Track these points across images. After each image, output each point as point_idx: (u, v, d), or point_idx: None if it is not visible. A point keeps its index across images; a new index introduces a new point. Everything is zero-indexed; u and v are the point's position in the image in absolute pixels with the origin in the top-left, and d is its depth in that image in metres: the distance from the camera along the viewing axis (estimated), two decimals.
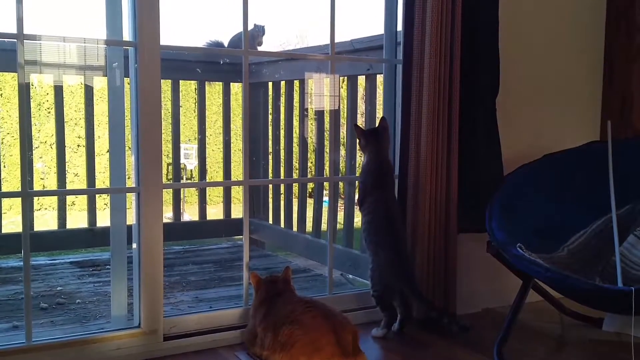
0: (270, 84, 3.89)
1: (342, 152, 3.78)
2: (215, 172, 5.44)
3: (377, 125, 2.23)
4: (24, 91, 1.79)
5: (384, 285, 2.12)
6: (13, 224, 4.28)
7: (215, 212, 4.83)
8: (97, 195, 4.02)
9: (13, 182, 5.15)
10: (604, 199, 2.11)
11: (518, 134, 2.44)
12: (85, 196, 4.20)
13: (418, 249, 2.18)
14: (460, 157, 2.21)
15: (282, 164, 3.89)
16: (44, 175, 5.65)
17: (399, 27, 2.35)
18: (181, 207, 4.19)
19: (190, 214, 4.98)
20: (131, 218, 1.97)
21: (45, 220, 4.93)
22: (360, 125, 2.35)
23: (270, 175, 3.97)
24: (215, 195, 5.62)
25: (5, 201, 4.08)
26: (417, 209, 2.17)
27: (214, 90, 5.07)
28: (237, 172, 4.63)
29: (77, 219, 4.34)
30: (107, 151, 4.43)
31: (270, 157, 3.98)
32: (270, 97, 3.91)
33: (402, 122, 2.21)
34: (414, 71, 2.15)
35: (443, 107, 2.15)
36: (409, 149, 2.18)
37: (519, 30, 2.42)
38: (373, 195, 2.14)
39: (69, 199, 4.83)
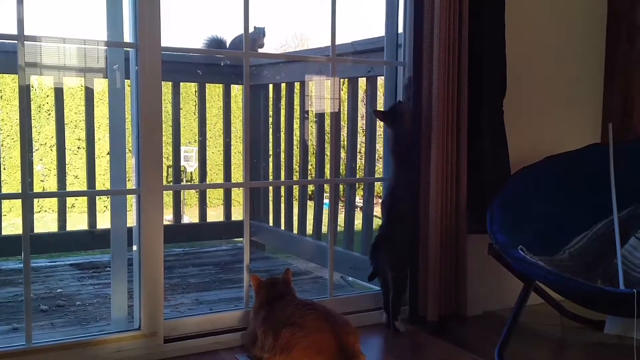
0: (270, 86, 3.89)
1: (343, 154, 3.78)
2: (215, 174, 5.43)
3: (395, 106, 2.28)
4: (25, 93, 1.79)
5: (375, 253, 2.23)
6: (13, 225, 4.28)
7: (214, 214, 4.83)
8: (97, 198, 4.01)
9: (13, 184, 5.15)
10: (605, 202, 2.10)
11: (519, 136, 2.43)
12: (85, 198, 4.19)
13: (430, 251, 2.18)
14: (468, 159, 2.21)
15: (282, 166, 3.89)
16: (44, 177, 5.64)
17: (400, 29, 2.35)
18: (181, 209, 4.19)
19: (189, 216, 4.98)
20: (131, 220, 1.97)
21: (45, 222, 4.92)
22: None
23: (271, 177, 3.97)
24: (215, 197, 5.61)
25: (5, 203, 4.07)
26: (427, 211, 2.17)
27: (213, 93, 5.07)
28: (237, 174, 4.63)
29: (76, 221, 4.34)
30: (107, 153, 4.42)
31: (270, 159, 3.97)
32: (270, 99, 3.91)
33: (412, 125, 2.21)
34: (424, 73, 2.15)
35: (452, 109, 2.15)
36: (420, 151, 2.18)
37: (521, 33, 2.42)
38: (391, 169, 2.26)
39: (69, 201, 4.82)
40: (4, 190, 4.13)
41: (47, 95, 5.57)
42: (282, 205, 3.83)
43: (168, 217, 3.92)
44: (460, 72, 2.16)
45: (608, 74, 2.70)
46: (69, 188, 4.51)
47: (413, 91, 2.19)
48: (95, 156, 3.71)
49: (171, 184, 4.03)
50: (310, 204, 3.81)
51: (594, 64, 2.69)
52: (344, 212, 3.36)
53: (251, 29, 3.18)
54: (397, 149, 2.23)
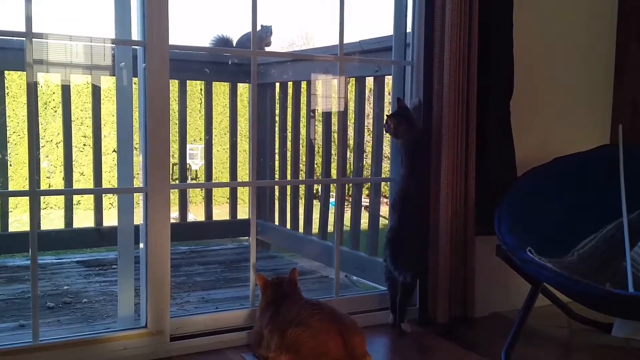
0: (277, 84, 3.88)
1: (349, 153, 3.77)
2: (220, 172, 5.43)
3: (396, 109, 2.25)
4: (33, 90, 1.79)
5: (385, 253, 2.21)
6: (19, 222, 4.29)
7: (219, 212, 4.84)
8: (103, 195, 4.02)
9: (19, 181, 5.17)
10: (614, 203, 2.09)
11: (528, 138, 2.42)
12: (91, 195, 4.20)
13: (441, 253, 2.17)
14: (475, 161, 2.20)
15: (288, 165, 3.88)
16: (50, 174, 5.66)
17: (409, 29, 2.34)
18: (187, 207, 4.19)
19: (194, 214, 4.98)
20: (138, 218, 1.97)
21: (51, 219, 4.94)
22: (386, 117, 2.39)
23: (277, 176, 3.96)
24: (219, 195, 5.61)
25: (11, 200, 4.08)
26: (437, 213, 2.16)
27: (219, 91, 5.07)
28: (242, 172, 4.63)
29: (82, 218, 4.35)
30: (113, 150, 4.42)
31: (276, 158, 3.97)
32: (277, 98, 3.91)
33: (423, 127, 2.21)
34: (435, 74, 2.14)
35: (462, 111, 2.14)
36: (431, 153, 2.16)
37: (529, 34, 2.40)
38: (401, 172, 2.24)
39: (75, 197, 4.84)
40: (10, 187, 4.14)
41: (54, 92, 5.59)
42: (288, 204, 3.83)
43: (174, 214, 3.92)
44: (470, 74, 2.14)
45: (618, 74, 2.68)
46: (74, 185, 4.51)
47: (424, 93, 2.18)
48: (102, 153, 3.71)
49: (177, 181, 4.03)
50: (316, 203, 3.80)
51: (603, 64, 2.67)
52: (349, 212, 3.34)
53: (258, 27, 3.18)
54: (406, 153, 2.20)
